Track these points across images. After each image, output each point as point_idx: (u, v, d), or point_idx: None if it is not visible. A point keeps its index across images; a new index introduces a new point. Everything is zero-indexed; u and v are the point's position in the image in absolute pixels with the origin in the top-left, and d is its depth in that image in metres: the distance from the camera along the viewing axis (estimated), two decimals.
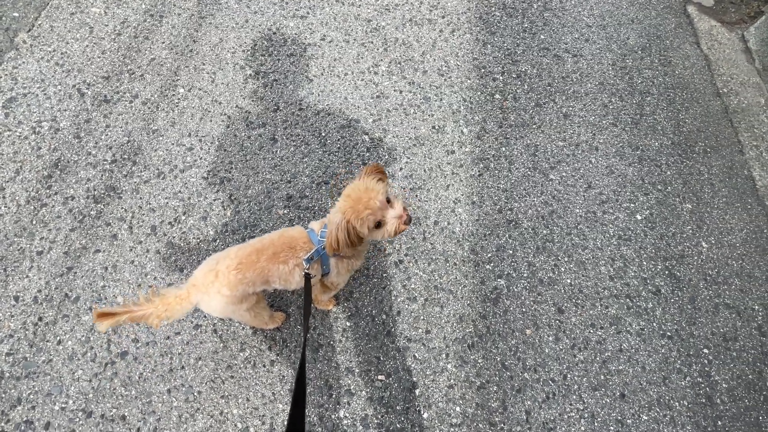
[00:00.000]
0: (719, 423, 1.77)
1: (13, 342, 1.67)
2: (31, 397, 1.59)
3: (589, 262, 2.07)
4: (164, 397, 1.63)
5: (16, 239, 1.84)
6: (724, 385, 1.85)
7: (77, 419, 1.57)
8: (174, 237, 1.90)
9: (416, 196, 2.13)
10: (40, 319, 1.71)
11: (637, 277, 2.06)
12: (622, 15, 2.99)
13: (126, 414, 1.59)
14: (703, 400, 1.82)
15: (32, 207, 1.91)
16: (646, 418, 1.77)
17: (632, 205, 2.26)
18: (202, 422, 1.59)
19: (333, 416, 1.64)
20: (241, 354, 1.71)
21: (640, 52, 2.81)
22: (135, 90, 2.27)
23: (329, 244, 1.26)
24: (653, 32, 2.93)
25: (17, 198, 1.94)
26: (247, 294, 1.37)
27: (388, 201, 1.25)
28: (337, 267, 1.45)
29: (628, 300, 2.00)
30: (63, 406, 1.59)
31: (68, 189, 1.97)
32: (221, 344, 1.72)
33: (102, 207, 1.95)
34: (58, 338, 1.69)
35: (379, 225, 1.24)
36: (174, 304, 1.30)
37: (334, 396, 1.67)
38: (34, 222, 1.88)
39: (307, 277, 1.34)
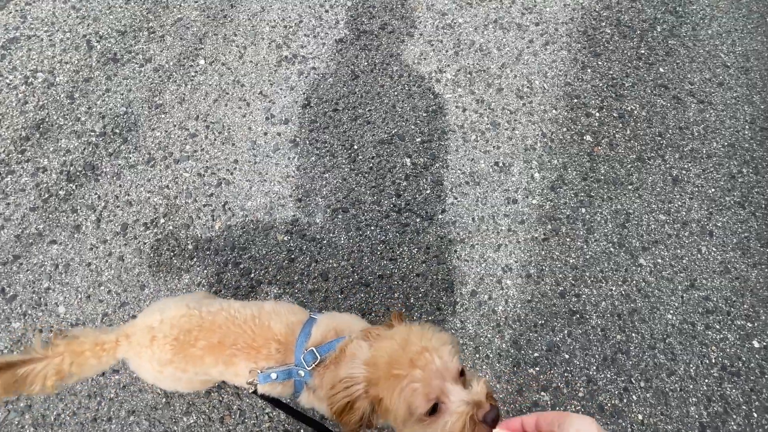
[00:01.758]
0: None
1: None
2: None
3: (674, 395, 1.49)
4: None
5: None
6: None
7: None
8: (145, 243, 1.53)
9: (455, 251, 1.63)
10: None
11: None
12: None
13: None
14: None
15: None
16: None
17: (749, 324, 1.63)
18: None
19: None
20: (185, 419, 1.32)
21: None
22: (150, 52, 1.92)
23: (332, 410, 0.76)
24: None
25: None
26: (180, 378, 0.95)
27: (461, 374, 0.74)
28: (311, 402, 0.96)
29: None
30: None
31: (43, 158, 1.65)
32: (164, 400, 1.33)
33: (74, 188, 1.61)
34: None
35: (433, 410, 0.70)
36: (89, 356, 0.91)
37: None
38: None
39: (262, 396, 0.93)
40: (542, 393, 1.46)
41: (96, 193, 1.61)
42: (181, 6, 2.06)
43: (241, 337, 0.89)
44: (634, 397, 1.48)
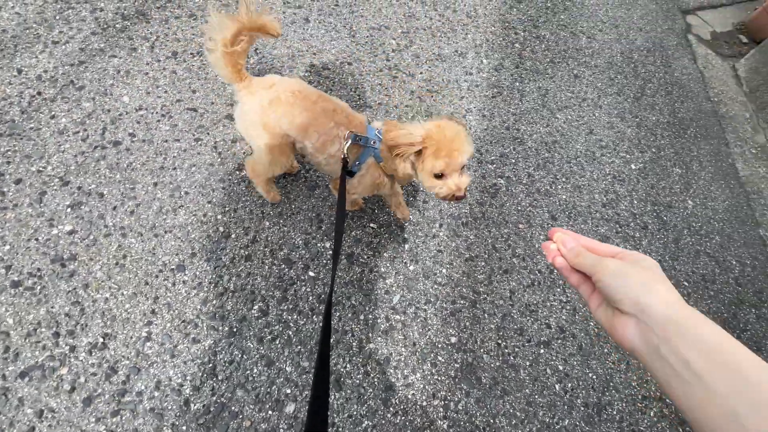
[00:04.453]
0: None
1: (4, 105, 1.62)
2: (9, 153, 1.52)
3: (585, 187, 2.18)
4: (149, 188, 1.58)
5: (34, 26, 1.85)
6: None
7: (51, 183, 1.50)
8: (193, 65, 1.93)
9: (431, 96, 2.24)
10: (39, 93, 1.68)
11: (627, 210, 2.17)
12: (632, 23, 3.37)
13: (105, 192, 1.54)
14: None
15: (58, 6, 1.93)
16: None
17: (628, 156, 2.42)
18: (183, 218, 1.54)
19: (319, 245, 1.61)
20: (238, 173, 1.70)
21: (645, 52, 3.14)
22: None
23: (390, 137, 1.14)
24: (658, 42, 3.29)
25: None
26: (280, 132, 1.27)
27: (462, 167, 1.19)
28: (368, 172, 1.33)
29: (617, 225, 2.09)
30: (40, 169, 1.52)
31: (99, 1, 2.01)
32: (219, 159, 1.71)
33: (128, 24, 1.99)
34: (53, 113, 1.65)
35: (438, 176, 1.15)
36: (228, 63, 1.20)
37: (323, 228, 1.65)
38: (57, 18, 1.90)
39: (344, 163, 1.23)
40: (498, 179, 2.06)
41: (148, 30, 2.00)
42: None
43: (341, 113, 1.27)
44: (559, 187, 2.14)
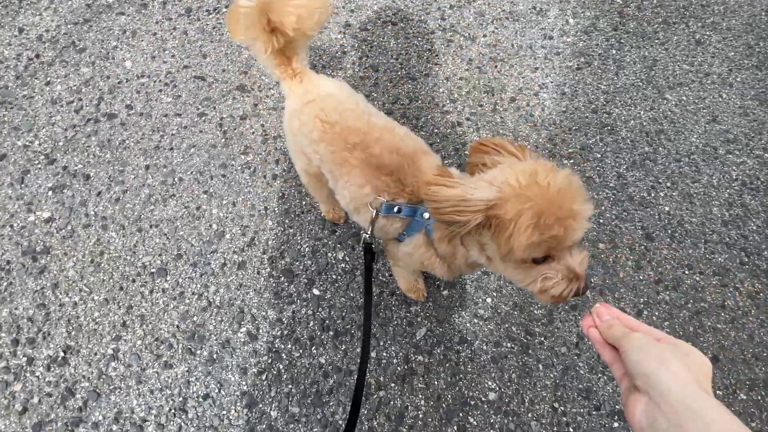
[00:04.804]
0: None
1: (0, 68, 1.46)
2: None
3: (698, 197, 1.62)
4: (140, 171, 1.36)
5: None
6: None
7: (36, 161, 1.33)
8: (207, 24, 1.65)
9: (495, 66, 1.77)
10: (38, 56, 1.51)
11: (759, 233, 1.58)
12: None
13: (91, 174, 1.34)
14: None
15: None
16: (744, 397, 1.28)
17: (767, 155, 1.77)
18: (173, 209, 1.30)
19: (329, 255, 1.29)
20: (243, 157, 1.42)
21: None
22: None
23: (431, 197, 0.72)
24: None
25: None
26: (313, 163, 0.98)
27: None
28: (416, 252, 0.93)
29: (742, 254, 1.53)
30: (27, 144, 1.36)
31: None
32: (223, 140, 1.44)
33: None
34: (48, 79, 1.47)
35: (542, 259, 0.71)
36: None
37: (338, 234, 1.33)
38: None
39: (368, 249, 0.92)
40: None
41: None
42: None
43: (391, 165, 0.88)
44: (661, 193, 1.61)
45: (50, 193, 1.30)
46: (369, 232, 0.90)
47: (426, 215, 0.86)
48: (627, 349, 0.49)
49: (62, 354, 1.10)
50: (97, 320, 1.15)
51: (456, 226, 0.70)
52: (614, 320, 0.56)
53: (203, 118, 1.48)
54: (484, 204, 0.67)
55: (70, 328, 1.13)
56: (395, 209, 0.87)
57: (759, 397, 1.30)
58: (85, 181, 1.33)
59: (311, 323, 1.21)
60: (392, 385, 1.17)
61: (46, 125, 1.40)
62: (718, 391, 1.29)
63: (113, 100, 1.48)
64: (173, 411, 1.07)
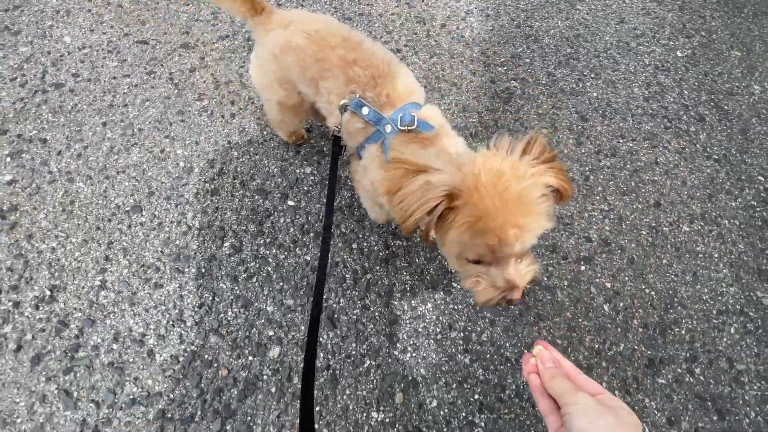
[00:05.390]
0: None
1: None
2: None
3: (620, 82, 1.85)
4: (98, 128, 1.42)
5: None
6: None
7: None
8: None
9: (423, 1, 1.94)
10: None
11: (677, 102, 1.82)
12: None
13: (48, 138, 1.38)
14: (759, 223, 1.52)
15: None
16: (687, 229, 1.48)
17: (672, 43, 2.04)
18: (137, 156, 1.37)
19: (298, 171, 1.39)
20: (198, 103, 1.51)
21: None
22: None
23: (388, 176, 0.71)
24: None
25: None
26: (290, 86, 1.06)
27: None
28: (370, 166, 0.94)
29: (665, 120, 1.75)
30: None
31: None
32: (176, 91, 1.52)
33: None
34: None
35: (479, 260, 0.70)
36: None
37: (302, 153, 1.43)
38: None
39: (336, 140, 0.97)
40: (512, 81, 1.76)
41: None
42: None
43: (366, 65, 0.91)
44: (587, 84, 1.82)
45: (8, 159, 1.33)
46: (339, 126, 0.96)
47: (388, 128, 0.87)
48: (571, 411, 0.50)
49: (49, 293, 1.13)
50: (79, 259, 1.19)
51: (412, 208, 0.66)
52: (557, 370, 0.56)
53: (152, 75, 1.55)
54: (447, 189, 0.64)
55: (53, 269, 1.16)
56: (363, 109, 0.89)
57: (699, 227, 1.49)
58: (42, 145, 1.37)
59: (291, 229, 1.29)
60: (377, 268, 1.27)
61: None
62: (665, 228, 1.47)
63: (57, 71, 1.52)
64: (171, 323, 1.12)
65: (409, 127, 0.85)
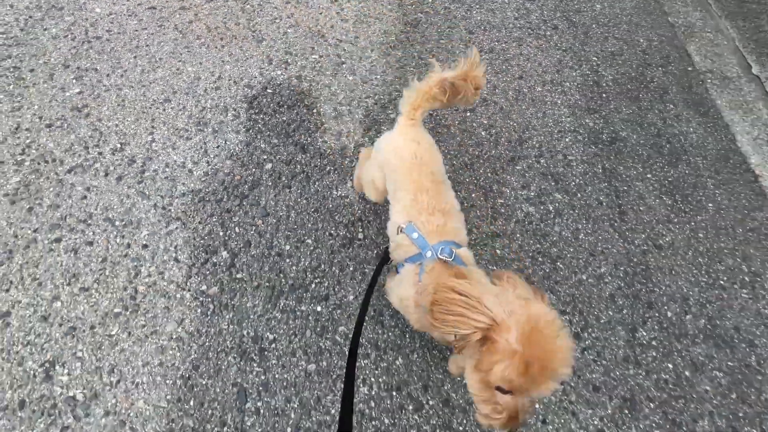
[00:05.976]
0: (603, 95, 2.25)
1: (7, 28, 2.14)
2: (19, 56, 2.04)
3: (498, 9, 2.65)
4: (131, 60, 2.12)
5: None
6: (609, 77, 2.36)
7: (57, 67, 2.02)
8: None
9: None
10: (31, 17, 2.22)
11: (538, 19, 2.63)
12: None
13: (98, 68, 2.06)
14: (591, 83, 2.31)
15: None
16: (540, 89, 2.23)
17: None
18: (161, 73, 2.06)
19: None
20: (197, 41, 2.24)
21: None
22: None
23: (437, 299, 0.82)
24: None
25: None
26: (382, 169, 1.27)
27: None
28: (404, 281, 1.10)
29: (529, 29, 2.55)
30: (45, 62, 2.04)
31: None
32: (180, 35, 2.26)
33: None
34: (45, 27, 2.17)
35: (503, 388, 0.78)
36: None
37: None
38: None
39: (385, 254, 1.18)
40: (419, 14, 2.51)
41: None
42: None
43: (435, 200, 1.10)
44: (474, 12, 2.59)
45: (74, 80, 2.00)
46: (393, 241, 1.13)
47: (429, 253, 1.02)
48: None
49: (119, 146, 1.79)
50: (134, 128, 1.86)
51: (453, 328, 0.77)
52: None
53: (162, 27, 2.27)
54: (489, 321, 0.75)
55: (119, 135, 1.83)
56: (413, 234, 1.05)
57: (549, 88, 2.24)
58: (95, 72, 2.05)
59: (279, 100, 1.98)
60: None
61: (54, 50, 2.10)
62: (525, 90, 2.22)
63: (95, 29, 2.21)
64: (200, 155, 1.79)
65: (446, 259, 1.00)
